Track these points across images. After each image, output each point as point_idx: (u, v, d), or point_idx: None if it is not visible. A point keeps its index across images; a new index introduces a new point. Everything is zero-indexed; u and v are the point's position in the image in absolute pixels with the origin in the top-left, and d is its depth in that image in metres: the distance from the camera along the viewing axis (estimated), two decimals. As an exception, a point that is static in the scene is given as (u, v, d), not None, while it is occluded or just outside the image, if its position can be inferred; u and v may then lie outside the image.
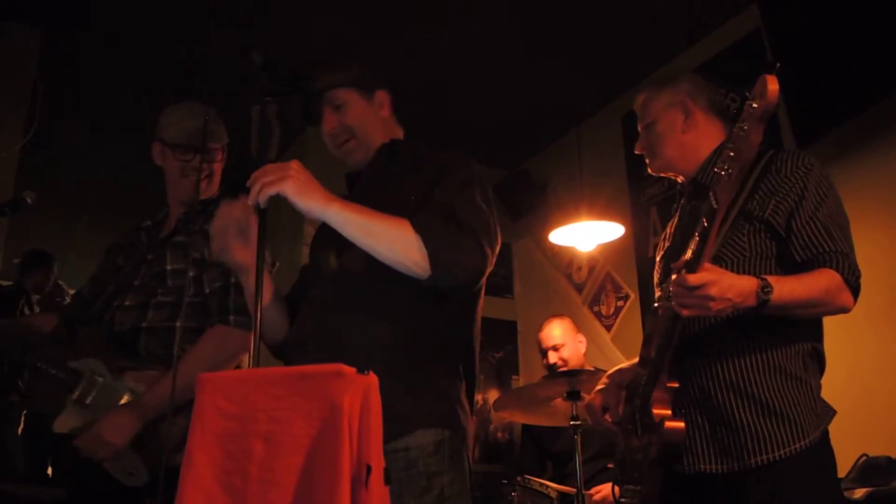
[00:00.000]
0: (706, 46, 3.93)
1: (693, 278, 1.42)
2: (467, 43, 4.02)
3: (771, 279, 1.48)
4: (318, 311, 1.56)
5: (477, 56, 4.13)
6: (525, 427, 3.65)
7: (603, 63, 4.17)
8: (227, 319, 1.93)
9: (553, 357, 3.49)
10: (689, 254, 1.46)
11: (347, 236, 1.43)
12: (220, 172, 2.19)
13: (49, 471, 4.54)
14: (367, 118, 1.72)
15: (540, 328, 3.62)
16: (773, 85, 1.31)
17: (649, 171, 1.89)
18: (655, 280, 1.91)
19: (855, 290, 1.57)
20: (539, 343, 3.59)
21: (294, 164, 1.42)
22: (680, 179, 1.87)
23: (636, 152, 1.90)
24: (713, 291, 1.42)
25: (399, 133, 1.81)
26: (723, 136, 1.80)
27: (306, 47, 3.88)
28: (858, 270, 1.57)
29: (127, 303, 2.02)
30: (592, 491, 3.01)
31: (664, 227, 4.17)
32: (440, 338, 1.55)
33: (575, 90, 4.42)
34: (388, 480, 1.09)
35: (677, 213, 1.92)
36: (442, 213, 1.48)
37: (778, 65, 1.33)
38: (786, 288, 1.49)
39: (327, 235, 1.57)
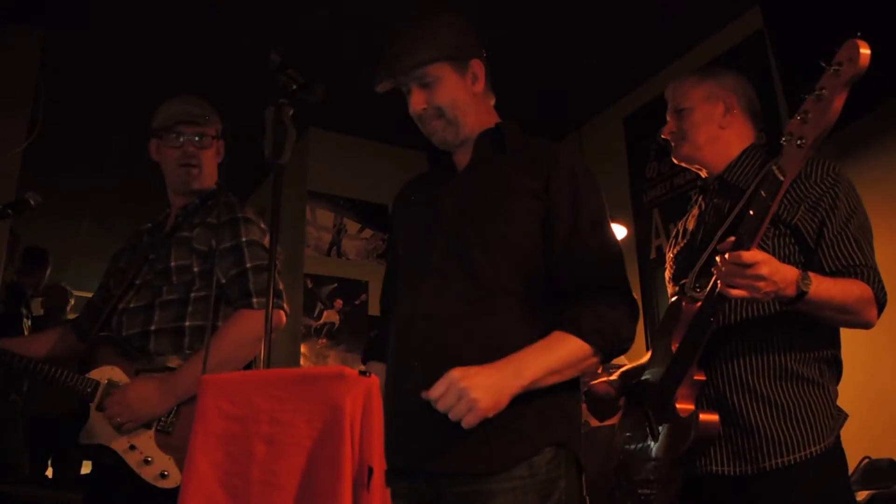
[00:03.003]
0: (708, 48, 3.92)
1: (748, 255, 1.36)
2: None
3: (810, 274, 1.45)
4: (433, 319, 1.46)
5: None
6: None
7: (605, 64, 4.17)
8: (250, 303, 1.92)
9: None
10: (740, 231, 1.40)
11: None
12: (215, 165, 2.16)
13: (49, 472, 4.55)
14: (459, 96, 1.58)
15: None
16: (864, 49, 1.24)
17: (673, 158, 1.86)
18: (667, 277, 1.88)
19: (881, 307, 1.55)
20: None
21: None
22: (703, 174, 1.85)
23: (663, 136, 1.87)
24: (765, 271, 1.37)
25: (491, 103, 1.69)
26: (753, 140, 1.80)
27: (303, 45, 3.89)
28: (885, 288, 1.55)
29: (132, 305, 2.00)
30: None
31: (666, 229, 4.17)
32: None
33: (577, 91, 4.42)
34: (389, 483, 1.09)
35: (695, 210, 1.88)
36: (582, 259, 1.48)
37: (859, 33, 1.26)
38: (823, 286, 1.45)
39: (434, 230, 1.53)
